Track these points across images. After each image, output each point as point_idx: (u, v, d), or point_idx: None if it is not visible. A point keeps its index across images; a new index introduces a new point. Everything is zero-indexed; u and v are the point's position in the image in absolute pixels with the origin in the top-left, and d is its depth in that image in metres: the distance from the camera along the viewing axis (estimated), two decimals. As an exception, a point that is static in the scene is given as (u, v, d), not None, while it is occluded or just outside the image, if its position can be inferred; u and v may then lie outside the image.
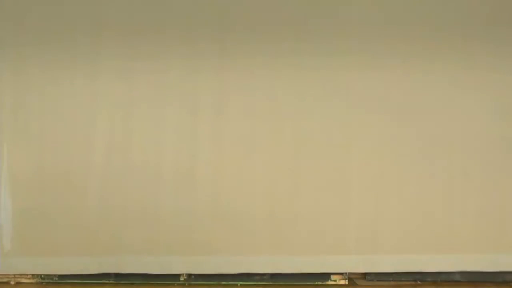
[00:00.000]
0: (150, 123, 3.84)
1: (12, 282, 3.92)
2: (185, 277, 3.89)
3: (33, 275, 3.94)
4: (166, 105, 3.69)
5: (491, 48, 3.96)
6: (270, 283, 3.92)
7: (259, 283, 3.89)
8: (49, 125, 3.92)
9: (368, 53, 3.87)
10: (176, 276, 3.84)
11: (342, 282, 3.88)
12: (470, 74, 3.96)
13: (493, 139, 3.94)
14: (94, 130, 3.94)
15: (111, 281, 3.93)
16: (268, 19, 3.94)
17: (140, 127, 3.92)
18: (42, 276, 3.94)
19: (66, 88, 3.93)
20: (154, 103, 3.73)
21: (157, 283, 3.90)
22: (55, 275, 3.93)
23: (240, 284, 3.85)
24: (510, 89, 3.98)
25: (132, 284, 3.91)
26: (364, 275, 4.01)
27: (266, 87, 3.77)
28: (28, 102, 3.92)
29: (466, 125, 3.96)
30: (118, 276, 3.94)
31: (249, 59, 3.81)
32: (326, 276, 3.87)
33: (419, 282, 3.98)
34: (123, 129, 3.95)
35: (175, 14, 3.94)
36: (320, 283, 3.86)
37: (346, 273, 3.89)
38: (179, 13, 3.94)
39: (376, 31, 3.93)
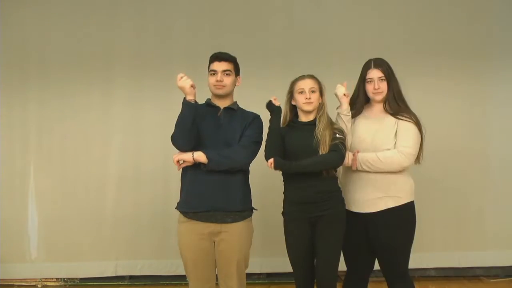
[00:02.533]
0: (158, 143, 4.12)
1: (39, 286, 4.34)
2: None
3: (57, 278, 4.36)
4: (172, 127, 4.01)
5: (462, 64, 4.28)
6: (267, 281, 4.29)
7: (256, 281, 4.25)
8: (69, 146, 4.33)
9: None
10: (183, 277, 3.92)
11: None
12: (441, 92, 4.29)
13: (459, 149, 4.28)
14: (109, 150, 4.34)
15: (126, 283, 4.33)
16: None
17: (149, 146, 4.30)
18: (65, 279, 4.36)
19: (83, 114, 4.34)
20: (160, 126, 4.01)
21: (166, 284, 4.28)
22: (76, 278, 4.35)
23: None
24: (476, 105, 4.34)
25: (144, 285, 4.31)
26: (349, 273, 4.38)
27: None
28: (50, 127, 4.33)
29: (435, 136, 4.20)
30: (132, 278, 4.35)
31: (255, 85, 3.91)
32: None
33: (398, 278, 4.34)
34: (134, 148, 4.34)
35: (178, 48, 4.31)
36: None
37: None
38: (182, 47, 4.31)
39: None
